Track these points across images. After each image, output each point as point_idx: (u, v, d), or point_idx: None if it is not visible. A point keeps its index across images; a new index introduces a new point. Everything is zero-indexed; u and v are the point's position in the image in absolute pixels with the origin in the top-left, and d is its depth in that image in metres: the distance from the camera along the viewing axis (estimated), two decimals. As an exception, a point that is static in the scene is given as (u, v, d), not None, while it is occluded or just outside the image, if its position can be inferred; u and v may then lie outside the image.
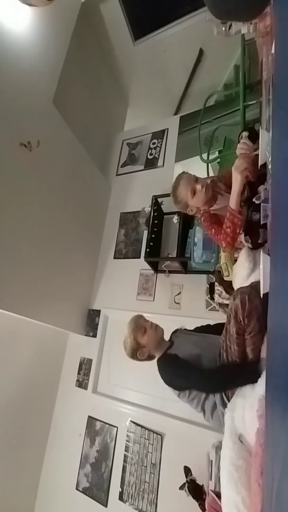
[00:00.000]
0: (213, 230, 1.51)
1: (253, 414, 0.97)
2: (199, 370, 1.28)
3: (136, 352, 1.46)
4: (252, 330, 1.15)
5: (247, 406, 1.06)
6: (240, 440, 1.05)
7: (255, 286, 1.28)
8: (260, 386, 1.02)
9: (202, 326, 1.75)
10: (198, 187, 1.49)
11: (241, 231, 1.39)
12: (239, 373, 1.20)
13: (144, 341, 1.44)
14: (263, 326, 1.12)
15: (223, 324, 1.42)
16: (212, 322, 1.77)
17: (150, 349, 1.46)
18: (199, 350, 1.38)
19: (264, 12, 1.24)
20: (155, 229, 2.94)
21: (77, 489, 2.76)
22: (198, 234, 2.22)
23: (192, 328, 1.77)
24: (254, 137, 1.46)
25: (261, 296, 1.13)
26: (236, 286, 1.60)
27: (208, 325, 1.75)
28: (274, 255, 0.84)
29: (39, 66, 2.57)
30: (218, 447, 1.88)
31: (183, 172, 1.61)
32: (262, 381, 1.03)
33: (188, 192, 1.50)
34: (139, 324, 1.48)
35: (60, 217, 2.86)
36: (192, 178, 1.54)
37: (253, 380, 1.09)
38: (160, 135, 3.70)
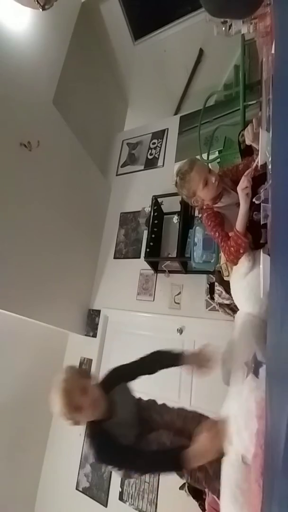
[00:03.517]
0: (217, 233, 1.45)
1: (249, 432, 0.94)
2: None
3: None
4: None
5: (241, 425, 1.01)
6: (243, 462, 0.99)
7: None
8: (249, 400, 1.00)
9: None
10: (212, 178, 1.40)
11: (244, 252, 1.37)
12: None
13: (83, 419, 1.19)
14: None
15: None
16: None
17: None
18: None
19: (264, 12, 1.24)
20: (155, 229, 2.95)
21: (77, 489, 2.76)
22: (198, 234, 2.22)
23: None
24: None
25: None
26: (232, 282, 1.58)
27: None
28: (274, 255, 0.84)
29: (39, 66, 2.57)
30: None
31: (195, 158, 1.52)
32: (248, 391, 1.03)
33: (201, 181, 1.40)
34: (72, 405, 1.13)
35: (60, 217, 2.87)
36: (206, 168, 1.45)
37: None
38: (160, 135, 3.70)
